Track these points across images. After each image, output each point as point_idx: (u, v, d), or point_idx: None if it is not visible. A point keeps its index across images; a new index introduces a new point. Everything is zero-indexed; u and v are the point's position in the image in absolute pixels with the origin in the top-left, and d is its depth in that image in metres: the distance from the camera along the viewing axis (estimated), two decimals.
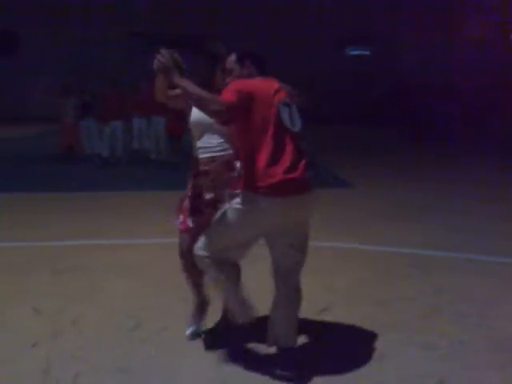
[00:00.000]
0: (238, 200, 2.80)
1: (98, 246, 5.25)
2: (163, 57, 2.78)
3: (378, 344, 3.28)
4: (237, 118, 2.74)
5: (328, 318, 3.67)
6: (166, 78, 2.85)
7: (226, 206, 2.88)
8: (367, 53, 26.41)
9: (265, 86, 2.83)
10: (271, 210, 2.72)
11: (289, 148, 2.78)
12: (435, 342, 3.29)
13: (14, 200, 7.62)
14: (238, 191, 2.82)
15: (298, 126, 2.85)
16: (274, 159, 2.73)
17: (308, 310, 3.72)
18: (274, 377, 2.87)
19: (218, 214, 2.90)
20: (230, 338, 3.27)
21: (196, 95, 2.69)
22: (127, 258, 4.89)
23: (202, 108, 2.73)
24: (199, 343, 3.25)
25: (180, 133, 11.50)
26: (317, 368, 2.98)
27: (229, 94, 2.69)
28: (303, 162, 2.82)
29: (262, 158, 2.72)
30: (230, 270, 2.94)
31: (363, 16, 24.08)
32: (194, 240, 3.01)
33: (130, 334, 3.41)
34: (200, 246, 2.90)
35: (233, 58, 2.97)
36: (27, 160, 12.03)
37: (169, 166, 10.82)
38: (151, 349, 3.20)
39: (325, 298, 3.97)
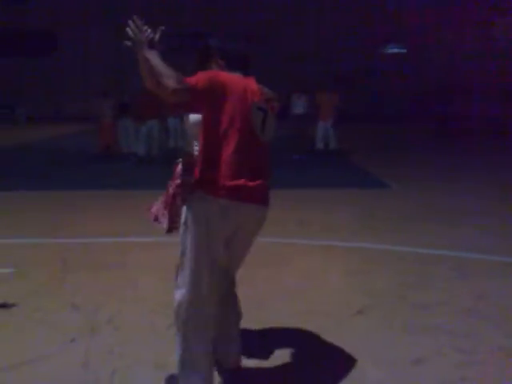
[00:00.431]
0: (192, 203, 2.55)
1: (135, 244, 5.32)
2: (132, 28, 2.45)
3: (415, 348, 3.22)
4: (198, 105, 2.45)
5: (364, 321, 3.62)
6: (136, 52, 2.45)
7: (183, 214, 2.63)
8: (404, 51, 26.10)
9: (240, 82, 2.55)
10: (227, 214, 2.48)
11: (254, 155, 2.53)
12: (474, 347, 3.21)
13: (52, 198, 7.79)
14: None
15: (268, 136, 2.61)
16: (238, 162, 2.47)
17: (342, 313, 3.71)
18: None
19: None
20: None
21: (157, 68, 2.35)
22: (164, 256, 4.91)
23: (159, 84, 2.33)
24: None
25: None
26: (351, 372, 2.95)
27: (195, 78, 2.41)
28: (266, 174, 2.59)
29: (225, 158, 2.46)
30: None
31: (400, 13, 23.81)
32: None
33: (166, 331, 3.43)
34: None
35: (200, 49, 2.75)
36: (66, 159, 12.30)
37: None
38: None
39: (360, 301, 3.92)
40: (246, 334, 3.16)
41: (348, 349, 3.20)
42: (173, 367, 2.96)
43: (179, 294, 2.64)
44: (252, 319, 3.36)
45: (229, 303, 2.79)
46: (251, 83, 2.61)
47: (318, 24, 25.82)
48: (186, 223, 2.62)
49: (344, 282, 4.35)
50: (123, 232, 5.76)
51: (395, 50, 26.29)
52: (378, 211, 6.75)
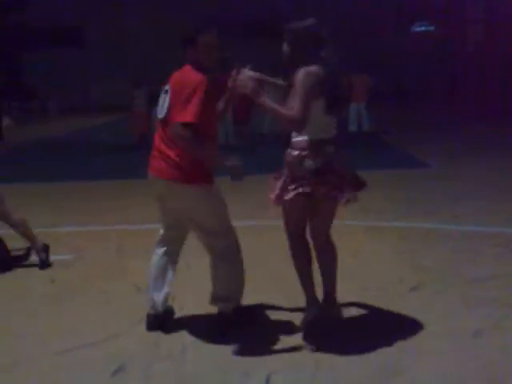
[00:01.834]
0: None
1: None
2: (245, 81, 2.92)
3: (474, 320, 3.28)
4: None
5: (419, 296, 3.69)
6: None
7: None
8: (432, 28, 25.71)
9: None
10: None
11: (157, 134, 3.12)
12: None
13: (98, 187, 8.00)
14: None
15: (161, 114, 3.06)
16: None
17: (398, 289, 3.78)
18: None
19: None
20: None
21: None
22: None
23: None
24: (293, 320, 3.35)
25: (247, 118, 11.66)
26: (411, 344, 3.03)
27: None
28: (162, 149, 3.07)
29: None
30: None
31: None
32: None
33: None
34: None
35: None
36: (103, 149, 12.51)
37: (236, 150, 10.97)
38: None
39: (414, 277, 3.99)
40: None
41: (404, 322, 3.28)
42: (241, 343, 3.09)
43: None
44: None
45: None
46: (177, 72, 3.08)
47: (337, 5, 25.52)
48: None
49: (395, 260, 4.41)
50: None
51: (423, 28, 25.93)
52: (419, 191, 6.77)
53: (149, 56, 24.81)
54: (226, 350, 3.04)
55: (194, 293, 3.84)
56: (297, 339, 3.12)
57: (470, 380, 2.69)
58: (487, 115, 15.25)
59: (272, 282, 3.98)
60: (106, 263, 4.54)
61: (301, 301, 3.34)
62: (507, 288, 3.74)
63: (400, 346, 3.02)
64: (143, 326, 3.36)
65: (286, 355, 2.96)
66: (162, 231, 3.45)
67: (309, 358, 2.89)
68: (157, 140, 3.15)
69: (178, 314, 3.53)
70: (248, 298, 3.47)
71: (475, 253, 4.49)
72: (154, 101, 12.13)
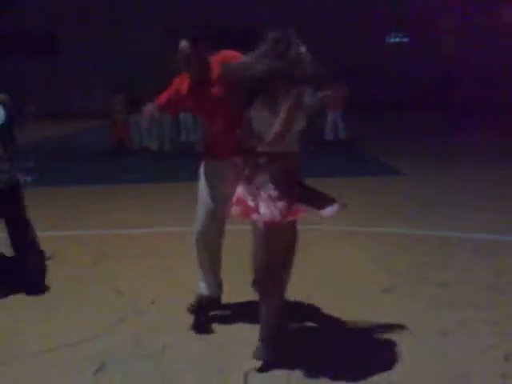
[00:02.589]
0: None
1: (163, 234, 5.54)
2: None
3: (442, 321, 3.43)
4: None
5: (390, 298, 3.83)
6: None
7: None
8: (406, 40, 26.18)
9: None
10: None
11: None
12: (499, 319, 3.42)
13: (71, 193, 8.01)
14: None
15: None
16: None
17: (370, 291, 3.92)
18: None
19: None
20: None
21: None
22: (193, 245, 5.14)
23: None
24: None
25: None
26: (382, 342, 3.17)
27: None
28: None
29: None
30: None
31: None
32: None
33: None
34: None
35: None
36: (80, 155, 12.49)
37: None
38: (228, 323, 3.43)
39: (387, 280, 4.13)
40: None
41: (377, 323, 3.41)
42: (219, 342, 3.19)
43: None
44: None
45: None
46: None
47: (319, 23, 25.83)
48: None
49: (368, 264, 4.56)
50: (149, 223, 5.97)
51: (397, 40, 26.37)
52: (394, 197, 6.95)
53: (129, 62, 24.82)
54: (204, 349, 3.14)
55: (173, 294, 3.93)
56: None
57: (437, 378, 2.83)
58: (462, 125, 15.63)
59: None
60: (85, 267, 4.59)
61: None
62: (474, 291, 3.90)
63: (372, 345, 3.15)
64: (122, 326, 3.45)
65: None
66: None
67: (285, 357, 3.00)
68: None
69: (157, 313, 3.62)
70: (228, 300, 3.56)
71: (445, 257, 4.66)
72: (133, 107, 12.21)
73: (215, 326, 3.42)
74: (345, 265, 4.56)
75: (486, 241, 5.08)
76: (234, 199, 2.95)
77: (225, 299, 3.69)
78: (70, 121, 21.67)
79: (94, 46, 26.40)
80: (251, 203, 2.85)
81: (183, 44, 3.22)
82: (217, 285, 3.55)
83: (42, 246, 5.04)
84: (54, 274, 4.41)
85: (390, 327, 3.33)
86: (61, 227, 5.91)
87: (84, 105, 25.47)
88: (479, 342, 3.16)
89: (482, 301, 3.72)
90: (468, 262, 4.52)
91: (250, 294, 3.81)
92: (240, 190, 2.94)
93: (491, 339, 3.17)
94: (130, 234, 5.62)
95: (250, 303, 3.68)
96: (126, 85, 13.10)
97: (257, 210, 2.82)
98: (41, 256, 4.45)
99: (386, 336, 3.24)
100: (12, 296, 4.02)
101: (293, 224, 2.95)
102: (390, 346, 3.12)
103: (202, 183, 3.42)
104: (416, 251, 4.84)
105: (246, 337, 3.24)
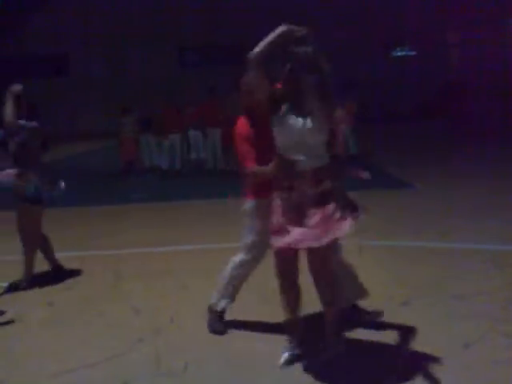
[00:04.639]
0: None
1: (177, 252, 5.58)
2: None
3: (461, 333, 3.42)
4: None
5: (409, 311, 3.83)
6: None
7: None
8: (413, 53, 26.31)
9: None
10: None
11: None
12: None
13: (84, 213, 8.08)
14: None
15: None
16: None
17: (388, 305, 3.92)
18: None
19: None
20: None
21: None
22: (207, 262, 5.17)
23: None
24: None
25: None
26: (405, 355, 3.17)
27: None
28: None
29: None
30: None
31: (408, 16, 23.97)
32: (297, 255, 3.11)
33: (227, 328, 3.66)
34: None
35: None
36: (90, 176, 12.57)
37: (226, 175, 11.16)
38: (249, 341, 3.44)
39: (403, 293, 4.13)
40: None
41: (397, 336, 3.41)
42: (240, 360, 3.20)
43: None
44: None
45: None
46: None
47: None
48: None
49: (384, 277, 4.55)
50: (163, 241, 6.01)
51: (403, 53, 26.53)
52: (405, 211, 6.95)
53: (138, 82, 25.06)
54: (226, 367, 3.15)
55: (191, 312, 3.96)
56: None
57: None
58: (469, 137, 15.62)
59: (270, 302, 4.09)
60: (103, 286, 4.63)
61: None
62: (491, 303, 3.89)
63: (394, 359, 3.15)
64: (143, 345, 3.47)
65: (285, 373, 3.07)
66: None
67: (307, 374, 3.00)
68: None
69: (177, 332, 3.64)
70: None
71: (460, 269, 4.65)
72: (143, 127, 12.34)
73: (235, 344, 3.43)
74: (361, 279, 4.55)
75: (499, 251, 5.07)
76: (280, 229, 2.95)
77: (240, 316, 3.71)
78: (74, 142, 21.82)
79: (99, 65, 26.72)
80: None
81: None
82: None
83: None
84: (73, 294, 4.45)
85: (412, 340, 3.33)
86: (76, 247, 5.96)
87: (86, 126, 25.70)
88: (498, 354, 3.15)
89: (499, 313, 3.71)
90: (483, 274, 4.52)
91: (263, 312, 3.85)
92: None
93: (510, 352, 3.16)
94: (144, 252, 5.66)
95: (269, 321, 3.72)
96: (136, 104, 13.24)
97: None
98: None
99: (409, 349, 3.25)
100: (30, 314, 4.06)
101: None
102: (413, 359, 3.12)
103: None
104: (429, 263, 4.84)
105: (265, 353, 3.25)
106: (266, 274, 3.56)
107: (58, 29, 26.59)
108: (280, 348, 3.27)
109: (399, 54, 26.72)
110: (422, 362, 3.08)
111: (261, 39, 2.84)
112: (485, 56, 21.86)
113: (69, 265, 5.32)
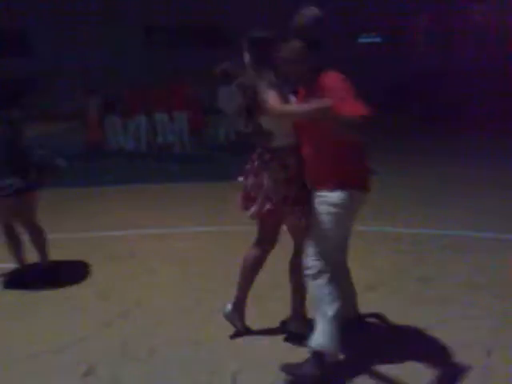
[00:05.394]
0: None
1: (144, 235, 5.53)
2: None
3: (424, 317, 3.51)
4: None
5: (374, 296, 3.90)
6: None
7: None
8: (378, 40, 26.47)
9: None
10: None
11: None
12: (480, 315, 3.51)
13: (48, 195, 7.90)
14: None
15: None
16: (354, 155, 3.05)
17: (356, 288, 3.98)
18: None
19: None
20: None
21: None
22: (174, 246, 5.17)
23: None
24: (257, 322, 3.50)
25: (202, 126, 11.82)
26: (368, 338, 3.24)
27: None
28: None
29: None
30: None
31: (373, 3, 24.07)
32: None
33: (192, 312, 3.67)
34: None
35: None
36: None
37: (192, 158, 11.12)
38: (215, 325, 3.46)
39: (368, 278, 4.20)
40: (266, 312, 3.43)
41: (364, 319, 3.47)
42: (207, 344, 3.21)
43: None
44: (272, 298, 3.63)
45: None
46: None
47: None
48: None
49: (351, 262, 4.61)
50: (130, 225, 5.95)
51: (369, 40, 26.67)
52: (370, 197, 7.02)
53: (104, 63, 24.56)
54: (193, 351, 3.16)
55: (158, 296, 3.95)
56: (260, 339, 3.26)
57: (419, 370, 2.91)
58: (433, 126, 15.88)
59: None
60: (70, 271, 4.56)
61: (264, 303, 3.48)
62: (452, 287, 4.00)
63: (359, 343, 3.21)
64: (109, 329, 3.44)
65: (250, 355, 3.10)
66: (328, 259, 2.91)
67: (273, 358, 3.03)
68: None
69: (144, 316, 3.63)
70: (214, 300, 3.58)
71: (422, 254, 4.76)
72: (107, 108, 12.10)
73: (203, 328, 3.44)
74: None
75: (459, 237, 5.21)
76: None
77: (215, 304, 3.72)
78: (36, 123, 21.29)
79: (67, 45, 26.06)
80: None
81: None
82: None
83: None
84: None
85: (381, 325, 3.41)
86: None
87: (52, 106, 25.09)
88: (460, 338, 3.23)
89: (462, 297, 3.81)
90: (445, 259, 4.63)
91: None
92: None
93: (471, 336, 3.25)
94: (111, 235, 5.59)
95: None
96: (101, 86, 13.00)
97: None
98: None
99: (372, 333, 3.32)
100: None
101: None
102: (381, 343, 3.20)
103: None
104: (394, 249, 4.94)
105: (236, 337, 3.28)
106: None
107: (14, 5, 25.78)
108: (248, 332, 3.32)
109: (365, 40, 26.85)
110: (389, 347, 3.16)
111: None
112: (452, 44, 22.16)
113: (31, 249, 5.22)
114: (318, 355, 2.79)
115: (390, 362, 2.98)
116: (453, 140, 12.73)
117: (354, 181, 2.93)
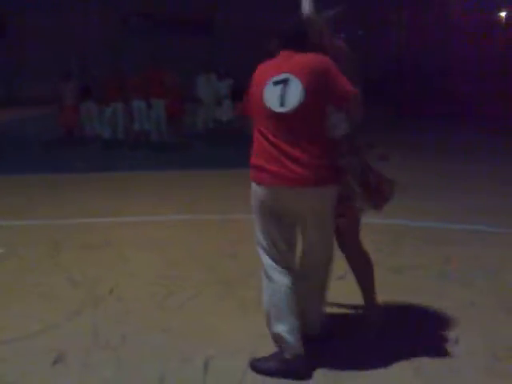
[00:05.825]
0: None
1: (119, 223, 5.49)
2: None
3: (394, 308, 3.55)
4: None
5: (344, 285, 3.93)
6: None
7: None
8: (360, 33, 26.50)
9: (268, 66, 2.79)
10: (261, 197, 2.77)
11: (267, 134, 2.69)
12: (449, 305, 3.56)
13: (26, 181, 7.81)
14: None
15: (291, 104, 2.64)
16: (256, 148, 2.77)
17: None
18: None
19: None
20: None
21: None
22: (149, 234, 5.15)
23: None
24: (230, 310, 3.51)
25: (180, 114, 11.74)
26: (336, 329, 3.27)
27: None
28: (290, 151, 2.65)
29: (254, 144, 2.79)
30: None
31: None
32: None
33: (165, 300, 3.66)
34: None
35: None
36: (29, 143, 12.12)
37: (169, 146, 11.06)
38: (187, 313, 3.46)
39: (339, 267, 4.22)
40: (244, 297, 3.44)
41: (333, 310, 3.51)
42: (178, 331, 3.21)
43: None
44: (245, 286, 3.65)
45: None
46: (282, 61, 2.73)
47: None
48: None
49: None
50: (104, 212, 5.91)
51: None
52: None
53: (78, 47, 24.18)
54: (165, 339, 3.15)
55: (131, 284, 3.93)
56: (233, 326, 3.28)
57: (387, 358, 2.95)
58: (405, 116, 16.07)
59: (209, 274, 4.12)
60: (40, 257, 4.51)
61: (236, 291, 3.49)
62: (423, 278, 4.07)
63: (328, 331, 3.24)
64: (80, 317, 3.42)
65: (223, 342, 3.11)
66: (271, 256, 2.84)
67: (245, 345, 3.05)
68: (277, 141, 2.67)
69: (116, 304, 3.61)
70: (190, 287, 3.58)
71: (397, 244, 4.82)
72: (84, 94, 11.98)
73: (175, 316, 3.44)
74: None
75: (435, 229, 5.29)
76: None
77: (188, 292, 3.71)
78: (9, 108, 20.93)
79: (43, 31, 25.57)
80: None
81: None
82: None
83: None
84: (8, 264, 4.32)
85: (344, 313, 3.45)
86: (13, 216, 5.77)
87: (29, 91, 24.64)
88: (429, 329, 3.28)
89: (432, 288, 3.87)
90: (418, 250, 4.70)
91: (212, 285, 3.88)
92: None
93: (440, 326, 3.30)
94: (84, 223, 5.54)
95: (217, 293, 3.75)
96: (77, 71, 12.81)
97: None
98: None
99: (340, 321, 3.36)
100: None
101: None
102: (342, 333, 3.22)
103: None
104: (367, 239, 4.96)
105: (207, 325, 3.28)
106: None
107: None
108: (221, 320, 3.33)
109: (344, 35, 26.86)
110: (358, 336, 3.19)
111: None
112: (428, 38, 22.31)
113: (4, 234, 5.16)
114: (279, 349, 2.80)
115: (359, 351, 3.02)
116: (428, 134, 12.89)
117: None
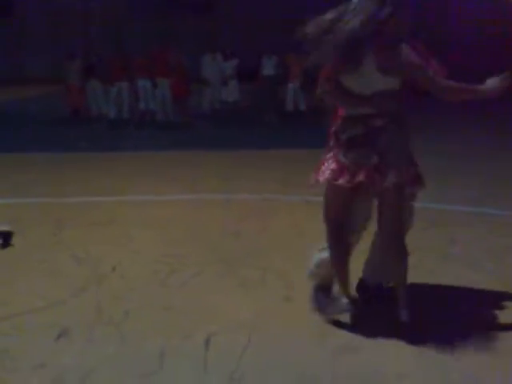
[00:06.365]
0: None
1: (123, 202, 5.51)
2: None
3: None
4: None
5: (354, 264, 3.94)
6: None
7: None
8: None
9: None
10: None
11: None
12: (453, 284, 3.57)
13: (33, 160, 7.84)
14: None
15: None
16: None
17: None
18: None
19: None
20: None
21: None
22: (153, 213, 5.16)
23: None
24: (232, 288, 3.53)
25: (185, 94, 11.69)
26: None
27: None
28: None
29: None
30: None
31: None
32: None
33: (167, 278, 3.68)
34: None
35: None
36: (35, 122, 12.12)
37: (175, 126, 11.05)
38: (189, 290, 3.48)
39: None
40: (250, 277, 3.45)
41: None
42: (180, 309, 3.24)
43: None
44: (252, 266, 3.66)
45: None
46: None
47: None
48: None
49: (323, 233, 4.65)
50: (108, 191, 5.93)
51: None
52: None
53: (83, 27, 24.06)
54: (167, 316, 3.18)
55: (134, 262, 3.95)
56: (234, 304, 3.29)
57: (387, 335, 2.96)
58: None
59: (211, 253, 4.13)
60: (44, 234, 4.54)
61: (238, 270, 3.51)
62: (428, 259, 4.06)
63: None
64: (84, 293, 3.45)
65: (223, 319, 3.13)
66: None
67: (246, 322, 3.07)
68: None
69: (119, 281, 3.64)
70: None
71: None
72: (89, 74, 11.97)
73: (178, 294, 3.46)
74: (302, 230, 4.64)
75: (442, 211, 5.26)
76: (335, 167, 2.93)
77: (190, 270, 3.73)
78: (17, 87, 20.93)
79: (47, 10, 25.43)
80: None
81: None
82: None
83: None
84: (13, 241, 4.35)
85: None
86: (18, 194, 5.80)
87: (35, 70, 24.59)
88: (434, 307, 3.30)
89: (436, 268, 3.88)
90: (423, 232, 4.67)
91: (214, 263, 3.90)
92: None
93: (445, 305, 3.32)
94: (88, 201, 5.57)
95: (219, 272, 3.77)
96: (82, 50, 12.78)
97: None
98: None
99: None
100: None
101: None
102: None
103: None
104: (371, 222, 4.96)
105: (208, 303, 3.30)
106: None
107: None
108: (222, 298, 3.35)
109: None
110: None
111: None
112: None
113: (9, 212, 5.18)
114: None
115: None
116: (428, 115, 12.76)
117: None
